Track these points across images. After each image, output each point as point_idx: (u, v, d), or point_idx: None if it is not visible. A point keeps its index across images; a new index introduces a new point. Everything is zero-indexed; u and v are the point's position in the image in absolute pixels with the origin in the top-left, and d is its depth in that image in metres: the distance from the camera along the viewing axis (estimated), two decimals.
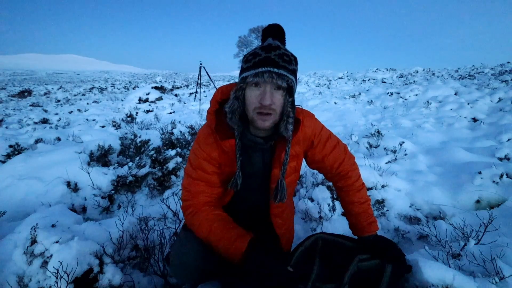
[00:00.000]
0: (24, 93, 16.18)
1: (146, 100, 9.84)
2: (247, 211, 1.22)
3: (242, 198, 1.17)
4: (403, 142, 3.14)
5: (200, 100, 8.25)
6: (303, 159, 1.20)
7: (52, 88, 19.24)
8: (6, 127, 6.08)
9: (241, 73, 0.93)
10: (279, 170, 1.06)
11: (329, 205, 1.80)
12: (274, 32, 0.94)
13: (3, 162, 2.57)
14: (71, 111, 8.85)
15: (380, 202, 1.94)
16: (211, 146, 1.04)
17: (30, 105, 11.33)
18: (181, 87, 17.02)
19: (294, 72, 0.91)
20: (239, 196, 1.15)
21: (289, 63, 0.89)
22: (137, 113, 8.05)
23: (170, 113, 7.85)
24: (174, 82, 20.26)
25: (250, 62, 0.89)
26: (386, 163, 2.69)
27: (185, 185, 1.10)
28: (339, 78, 16.40)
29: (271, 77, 0.85)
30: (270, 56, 0.86)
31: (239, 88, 0.94)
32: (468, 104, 5.43)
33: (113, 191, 2.18)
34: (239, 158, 1.02)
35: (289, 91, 0.92)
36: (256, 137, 1.01)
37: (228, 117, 0.95)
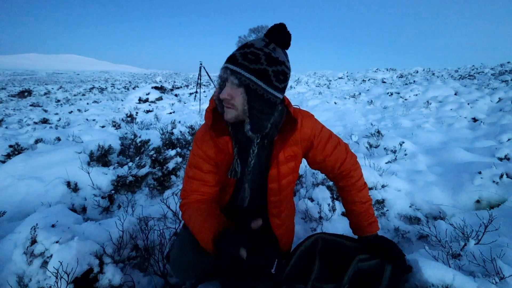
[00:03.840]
0: (24, 93, 16.18)
1: (146, 100, 9.84)
2: (245, 211, 1.21)
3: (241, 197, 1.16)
4: (403, 142, 3.14)
5: (200, 100, 8.25)
6: (305, 160, 1.19)
7: (52, 88, 19.24)
8: (6, 127, 6.09)
9: None
10: (276, 169, 1.06)
11: (329, 205, 1.80)
12: (275, 33, 0.92)
13: (3, 162, 2.57)
14: (71, 111, 8.85)
15: (380, 202, 1.94)
16: (208, 144, 1.05)
17: (30, 105, 11.33)
18: (181, 87, 17.02)
19: (257, 72, 0.85)
20: (237, 196, 1.15)
21: (254, 62, 0.85)
22: (137, 113, 8.05)
23: (170, 113, 7.85)
24: (174, 82, 20.26)
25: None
26: (386, 163, 2.69)
27: (183, 184, 1.12)
28: (339, 78, 16.40)
29: (226, 73, 0.88)
30: (235, 54, 0.88)
31: (219, 77, 0.97)
32: (468, 104, 5.43)
33: (113, 191, 2.18)
34: (236, 145, 1.02)
35: (247, 90, 0.87)
36: (248, 132, 1.00)
37: (216, 103, 0.99)
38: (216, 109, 1.02)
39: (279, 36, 0.91)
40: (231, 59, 0.88)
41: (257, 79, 0.86)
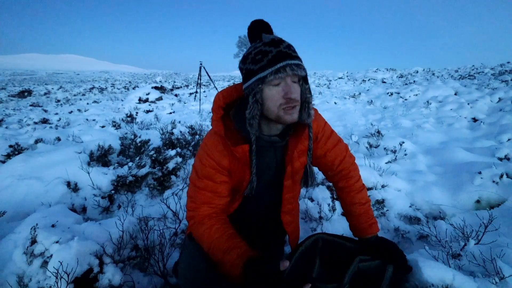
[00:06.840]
0: (24, 93, 16.18)
1: (146, 100, 9.85)
2: (257, 210, 1.20)
3: (253, 198, 1.15)
4: (403, 142, 3.14)
5: (200, 100, 8.25)
6: None
7: (52, 88, 19.24)
8: (6, 127, 6.08)
9: (252, 75, 0.88)
10: (291, 166, 1.05)
11: (329, 205, 1.80)
12: (263, 27, 0.91)
13: (3, 162, 2.57)
14: (71, 111, 8.85)
15: (380, 202, 1.94)
16: (221, 154, 1.00)
17: (30, 105, 11.33)
18: (181, 87, 17.03)
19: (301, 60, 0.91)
20: (249, 196, 1.13)
21: (296, 51, 0.89)
22: (137, 113, 8.05)
23: (170, 113, 7.85)
24: (174, 82, 20.26)
25: (263, 61, 0.84)
26: (386, 163, 2.69)
27: (190, 195, 1.06)
28: (339, 78, 16.41)
29: (292, 69, 0.83)
30: (281, 50, 0.84)
31: (258, 90, 0.88)
32: (468, 104, 5.43)
33: (113, 191, 2.18)
34: (255, 164, 0.98)
35: (305, 78, 0.92)
36: (271, 137, 0.98)
37: (248, 123, 0.91)
38: (225, 116, 0.98)
39: (271, 30, 0.93)
40: (286, 56, 0.84)
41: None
